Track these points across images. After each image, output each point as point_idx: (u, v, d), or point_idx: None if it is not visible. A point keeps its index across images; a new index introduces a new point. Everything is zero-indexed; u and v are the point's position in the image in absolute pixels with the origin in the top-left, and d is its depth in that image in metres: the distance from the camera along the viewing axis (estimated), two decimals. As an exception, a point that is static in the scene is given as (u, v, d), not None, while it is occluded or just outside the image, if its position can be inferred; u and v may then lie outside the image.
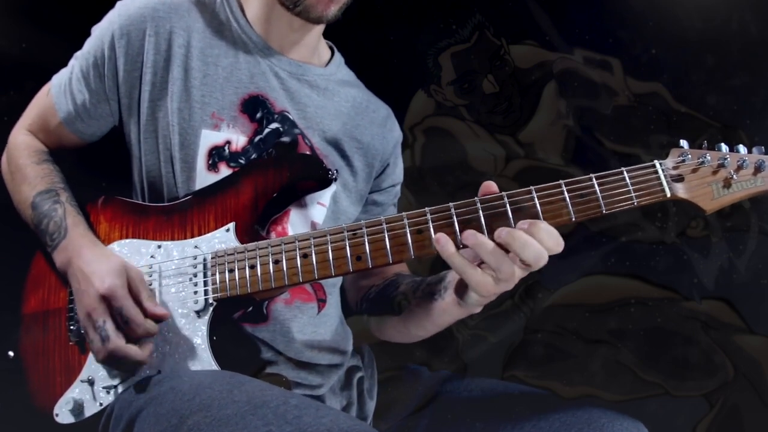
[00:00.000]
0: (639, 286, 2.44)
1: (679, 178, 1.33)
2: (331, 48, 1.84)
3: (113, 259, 1.47)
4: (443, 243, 1.30)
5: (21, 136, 1.73)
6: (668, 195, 1.31)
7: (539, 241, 1.26)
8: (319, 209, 1.67)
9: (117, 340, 1.38)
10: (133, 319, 1.39)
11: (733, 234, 2.39)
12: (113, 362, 1.42)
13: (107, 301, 1.40)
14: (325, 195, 1.68)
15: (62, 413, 1.47)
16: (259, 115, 1.63)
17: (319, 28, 1.70)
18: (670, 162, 1.34)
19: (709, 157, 1.32)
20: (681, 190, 1.32)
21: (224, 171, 1.59)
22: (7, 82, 1.89)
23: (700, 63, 2.35)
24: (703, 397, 2.40)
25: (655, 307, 2.43)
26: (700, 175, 1.32)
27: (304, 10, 1.58)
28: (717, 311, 2.41)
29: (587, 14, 2.41)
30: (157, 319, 1.42)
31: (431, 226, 1.34)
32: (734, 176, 1.31)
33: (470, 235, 1.30)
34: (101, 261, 1.46)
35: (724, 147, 1.33)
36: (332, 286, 1.71)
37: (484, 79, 2.45)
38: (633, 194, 1.31)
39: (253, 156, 1.61)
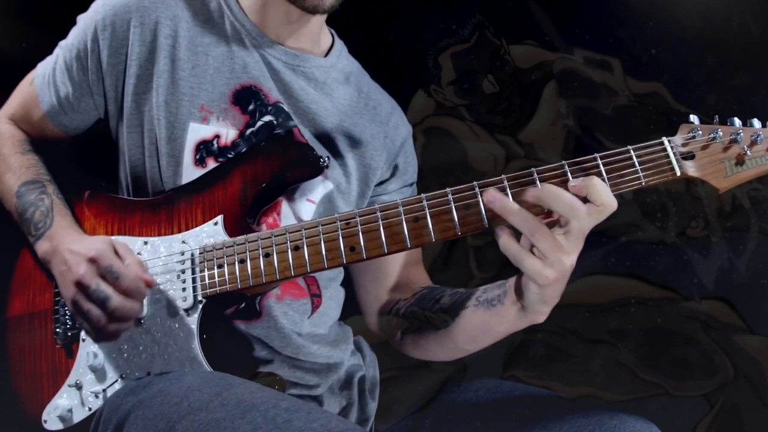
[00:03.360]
0: (639, 286, 2.34)
1: (690, 156, 1.20)
2: (332, 35, 1.70)
3: (99, 236, 1.39)
4: (498, 199, 1.17)
5: (4, 125, 1.62)
6: (678, 173, 1.19)
7: (594, 194, 1.14)
8: (308, 206, 1.54)
9: (118, 297, 1.28)
10: (125, 273, 1.29)
11: (733, 234, 2.30)
12: (113, 328, 1.31)
13: (95, 263, 1.29)
14: (316, 192, 1.55)
15: (50, 419, 1.37)
16: (251, 107, 1.50)
17: (321, 17, 1.56)
18: (679, 138, 1.21)
19: (720, 133, 1.19)
20: (691, 168, 1.20)
21: (212, 166, 1.47)
22: (7, 82, 1.79)
23: (700, 63, 2.27)
24: (703, 397, 2.31)
25: (655, 307, 2.33)
26: (711, 152, 1.20)
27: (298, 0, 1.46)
28: (717, 311, 2.31)
29: (587, 14, 2.31)
30: (146, 284, 1.32)
31: (428, 213, 1.22)
32: (748, 152, 1.18)
33: (495, 198, 1.17)
34: (87, 238, 1.38)
35: (737, 121, 1.21)
36: (327, 281, 1.59)
37: (484, 79, 2.36)
38: (641, 173, 1.18)
39: (244, 150, 1.48)
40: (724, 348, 2.30)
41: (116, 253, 1.33)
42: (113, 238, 1.42)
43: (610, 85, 2.32)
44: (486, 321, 1.36)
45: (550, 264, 1.15)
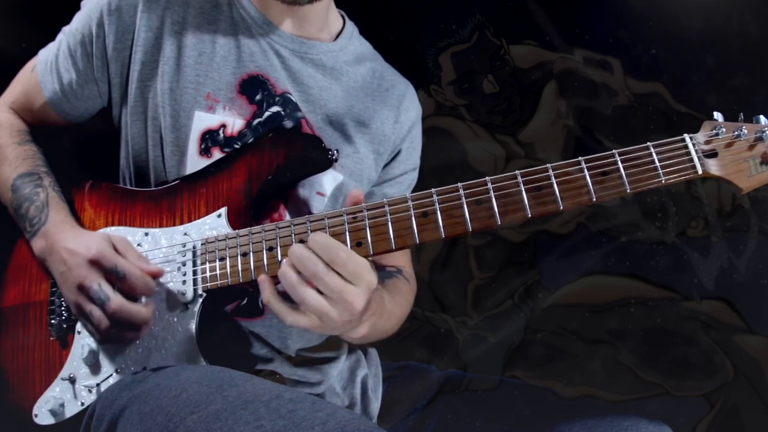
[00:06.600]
0: (639, 286, 2.29)
1: (712, 154, 1.14)
2: (342, 17, 1.64)
3: (95, 232, 1.32)
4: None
5: (3, 113, 1.56)
6: (699, 172, 1.12)
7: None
8: (318, 199, 1.48)
9: (118, 298, 1.22)
10: (130, 272, 1.23)
11: (733, 234, 2.25)
12: (116, 331, 1.25)
13: (98, 264, 1.23)
14: (326, 184, 1.49)
15: (41, 413, 1.30)
16: (258, 97, 1.44)
17: (325, 2, 1.51)
18: (701, 136, 1.15)
19: (745, 130, 1.13)
20: (714, 167, 1.13)
21: (217, 156, 1.41)
22: (8, 82, 1.74)
23: (700, 63, 2.22)
24: (703, 397, 2.26)
25: (655, 307, 2.29)
26: (735, 150, 1.13)
27: None
28: (717, 311, 2.27)
29: (587, 14, 2.27)
30: (153, 276, 1.26)
31: (438, 209, 1.16)
32: None
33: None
34: (83, 235, 1.30)
35: (762, 119, 1.14)
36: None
37: (484, 79, 2.32)
38: (660, 171, 1.12)
39: (250, 141, 1.42)
40: (724, 348, 2.26)
41: (116, 249, 1.27)
42: (111, 230, 1.36)
43: (610, 85, 2.28)
44: None
45: (334, 304, 1.14)
